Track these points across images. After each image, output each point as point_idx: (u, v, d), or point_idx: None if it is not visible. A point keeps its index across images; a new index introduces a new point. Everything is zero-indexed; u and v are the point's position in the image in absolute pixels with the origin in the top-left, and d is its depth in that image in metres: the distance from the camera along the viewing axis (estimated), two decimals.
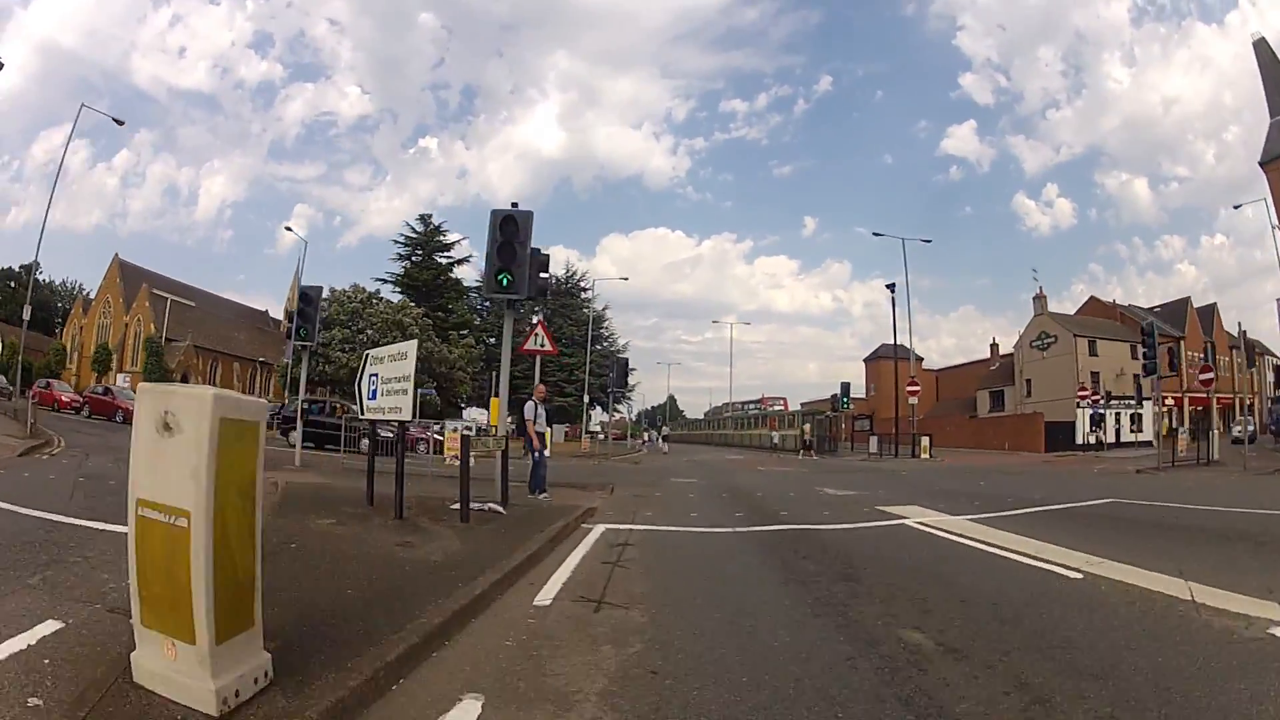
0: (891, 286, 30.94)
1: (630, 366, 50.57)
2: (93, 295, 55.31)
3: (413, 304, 40.49)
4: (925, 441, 28.41)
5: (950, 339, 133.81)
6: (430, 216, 48.30)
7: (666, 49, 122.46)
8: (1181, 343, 53.43)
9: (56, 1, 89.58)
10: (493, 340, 48.91)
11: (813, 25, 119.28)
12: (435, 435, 23.67)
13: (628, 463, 25.22)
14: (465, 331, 41.87)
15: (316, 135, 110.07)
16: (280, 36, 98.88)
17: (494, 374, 51.31)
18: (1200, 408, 54.65)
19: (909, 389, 29.13)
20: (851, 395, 47.46)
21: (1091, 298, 52.89)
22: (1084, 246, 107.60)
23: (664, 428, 47.29)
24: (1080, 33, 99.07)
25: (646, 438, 42.00)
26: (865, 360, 67.82)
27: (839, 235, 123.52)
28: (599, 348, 50.47)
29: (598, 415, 46.56)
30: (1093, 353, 43.97)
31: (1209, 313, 56.52)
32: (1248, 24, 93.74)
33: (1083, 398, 35.81)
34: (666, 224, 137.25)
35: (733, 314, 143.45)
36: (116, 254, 54.71)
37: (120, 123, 25.85)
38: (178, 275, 58.30)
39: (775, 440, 43.70)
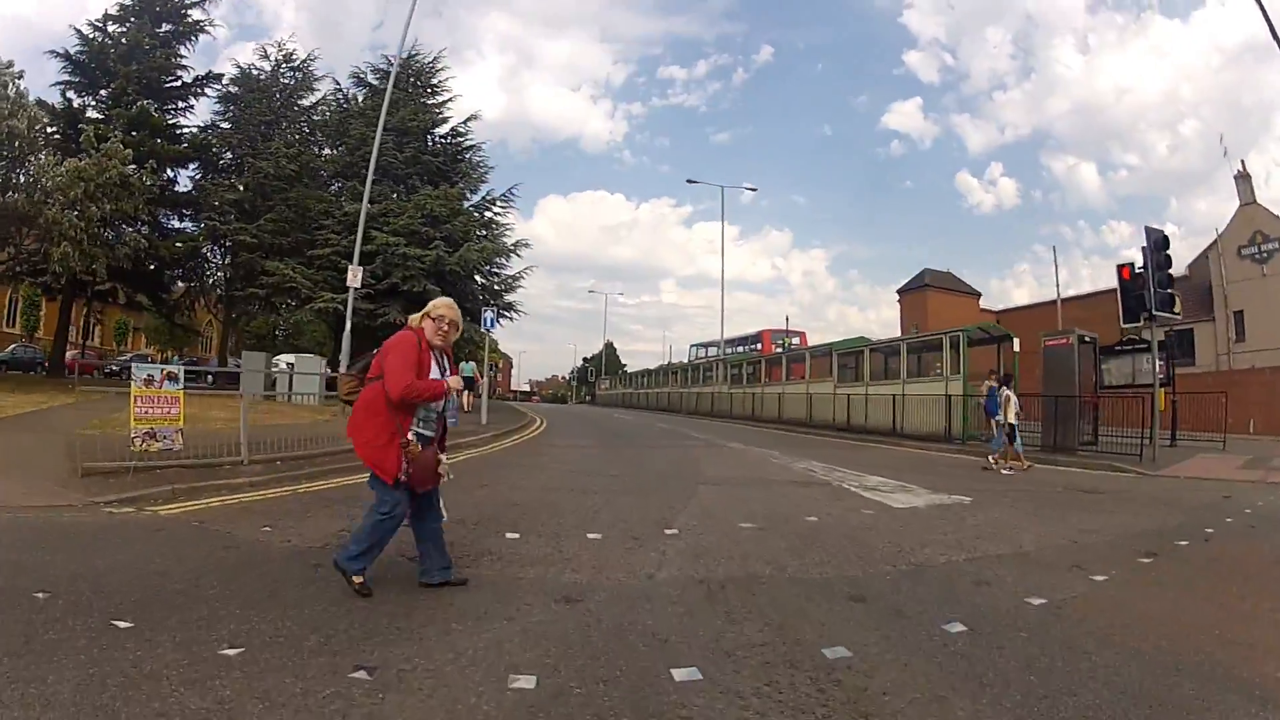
0: None
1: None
2: None
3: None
4: None
5: (891, 310, 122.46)
6: None
7: (605, 11, 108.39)
8: None
9: None
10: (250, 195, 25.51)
11: None
12: None
13: None
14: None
15: None
16: None
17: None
18: None
19: None
20: (880, 339, 24.74)
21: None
22: (1027, 226, 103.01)
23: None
24: (1031, 16, 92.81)
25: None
26: (901, 291, 49.13)
27: (777, 203, 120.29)
28: (455, 188, 26.00)
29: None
30: None
31: None
32: (1213, 21, 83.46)
33: None
34: (605, 186, 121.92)
35: (671, 278, 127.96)
36: None
37: None
38: None
39: (844, 411, 21.95)
